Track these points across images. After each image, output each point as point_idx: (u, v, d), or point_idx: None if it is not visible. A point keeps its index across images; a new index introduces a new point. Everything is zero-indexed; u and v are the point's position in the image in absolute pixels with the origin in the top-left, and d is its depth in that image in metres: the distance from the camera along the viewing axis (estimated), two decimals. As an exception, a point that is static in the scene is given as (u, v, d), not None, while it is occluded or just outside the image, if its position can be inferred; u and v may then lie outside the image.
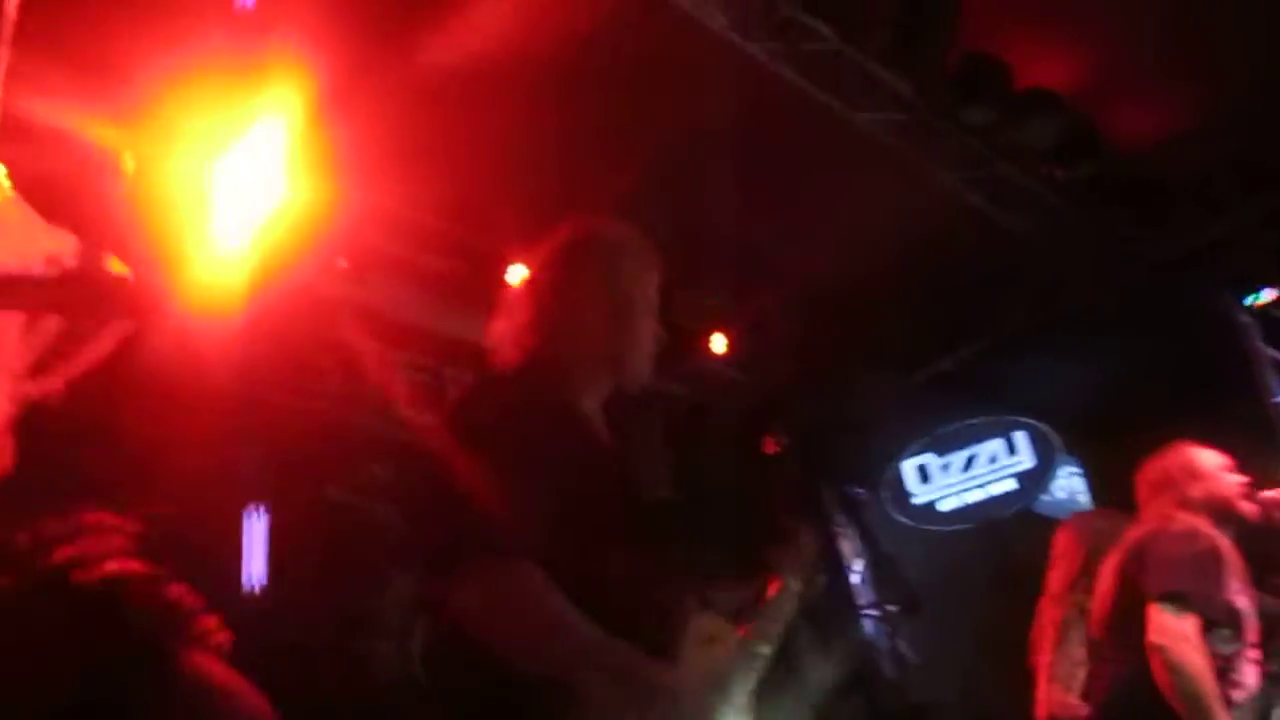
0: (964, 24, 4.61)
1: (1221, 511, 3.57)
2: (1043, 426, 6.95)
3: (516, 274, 5.21)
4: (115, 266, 2.04)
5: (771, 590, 2.31)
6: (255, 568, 3.84)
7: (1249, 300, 6.01)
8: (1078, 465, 7.42)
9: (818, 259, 5.52)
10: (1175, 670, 3.20)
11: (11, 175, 2.15)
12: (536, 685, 1.94)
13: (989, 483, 6.99)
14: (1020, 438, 7.00)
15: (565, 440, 2.14)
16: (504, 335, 2.39)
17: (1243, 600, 3.41)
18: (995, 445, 7.03)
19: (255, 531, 3.80)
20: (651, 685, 1.99)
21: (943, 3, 4.54)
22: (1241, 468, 3.74)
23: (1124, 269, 5.81)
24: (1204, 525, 3.51)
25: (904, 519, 6.92)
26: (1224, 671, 3.30)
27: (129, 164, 2.62)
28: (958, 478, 7.01)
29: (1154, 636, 3.27)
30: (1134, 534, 3.60)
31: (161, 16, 3.49)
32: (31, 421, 2.09)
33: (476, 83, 4.28)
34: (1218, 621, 3.33)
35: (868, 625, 5.63)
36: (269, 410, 4.24)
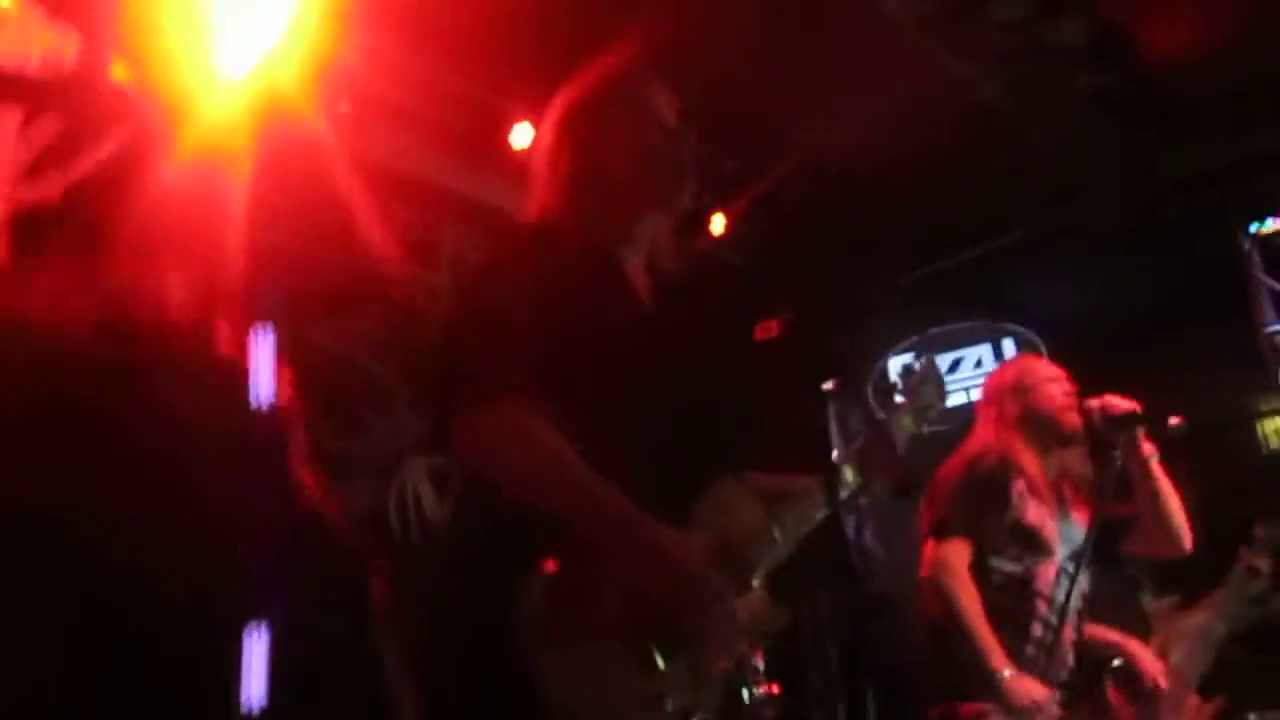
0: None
1: (1039, 425, 3.62)
2: (1031, 335, 6.93)
3: (522, 133, 5.12)
4: (119, 73, 1.97)
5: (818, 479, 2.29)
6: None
7: (1254, 228, 5.95)
8: (1063, 376, 7.43)
9: (830, 141, 5.43)
10: (939, 596, 3.36)
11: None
12: (533, 522, 1.96)
13: (972, 386, 7.00)
14: (1008, 344, 6.99)
15: (594, 290, 2.16)
16: (537, 183, 2.38)
17: (1037, 517, 3.48)
18: (982, 350, 7.02)
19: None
20: (644, 538, 1.99)
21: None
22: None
23: (1137, 185, 5.74)
24: (997, 448, 3.57)
25: (885, 416, 6.92)
26: (1015, 588, 3.42)
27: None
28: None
29: (923, 570, 3.46)
30: (939, 470, 3.69)
31: None
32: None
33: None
34: (998, 545, 3.43)
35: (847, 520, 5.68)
36: (260, 248, 4.18)
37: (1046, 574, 3.47)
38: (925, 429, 2.81)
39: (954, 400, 7.01)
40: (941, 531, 3.46)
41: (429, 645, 2.14)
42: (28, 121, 1.99)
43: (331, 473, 4.64)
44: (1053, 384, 3.68)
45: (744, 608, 2.11)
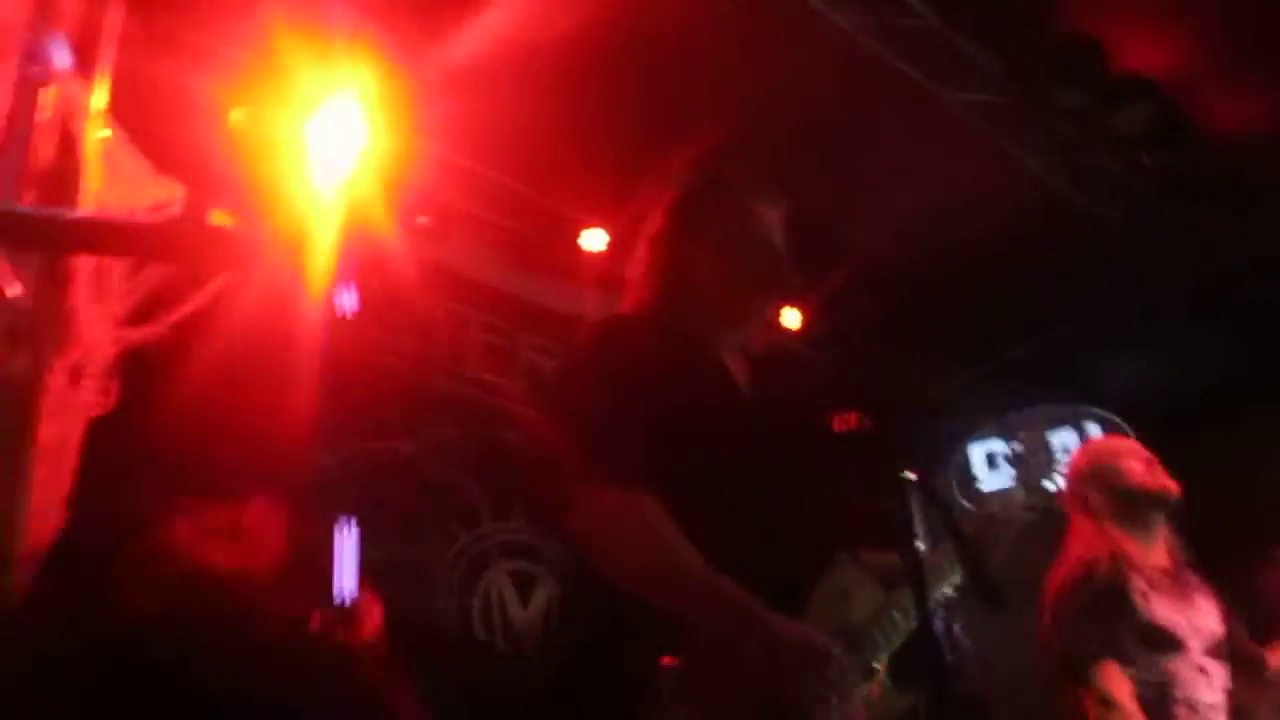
0: (1059, 3, 4.53)
1: (1131, 504, 3.45)
2: (1115, 418, 6.81)
3: (593, 239, 5.23)
4: (219, 218, 2.08)
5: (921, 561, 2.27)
6: (347, 581, 3.85)
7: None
8: (1149, 459, 7.30)
9: (897, 238, 5.46)
10: None
11: (124, 124, 2.19)
12: (650, 623, 1.95)
13: (1058, 473, 6.88)
14: (1092, 428, 6.86)
15: (690, 376, 2.17)
16: (630, 280, 2.40)
17: (1165, 614, 3.29)
18: (1066, 434, 6.90)
19: (347, 545, 3.82)
20: (761, 629, 1.98)
21: (1038, -18, 4.46)
22: None
23: (1207, 262, 5.69)
24: (1104, 547, 3.38)
25: (969, 504, 6.84)
26: (1154, 699, 3.20)
27: (237, 117, 2.66)
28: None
29: (1086, 706, 3.22)
30: (1053, 577, 3.48)
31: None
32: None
33: (552, 53, 4.28)
34: (1131, 656, 3.23)
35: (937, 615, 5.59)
36: (348, 364, 4.29)
37: (1183, 674, 3.26)
38: (1038, 502, 2.74)
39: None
40: (1086, 667, 3.24)
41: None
42: (136, 268, 2.11)
43: (417, 584, 4.71)
44: (1130, 457, 3.51)
45: (868, 693, 2.10)
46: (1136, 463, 3.50)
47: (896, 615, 2.21)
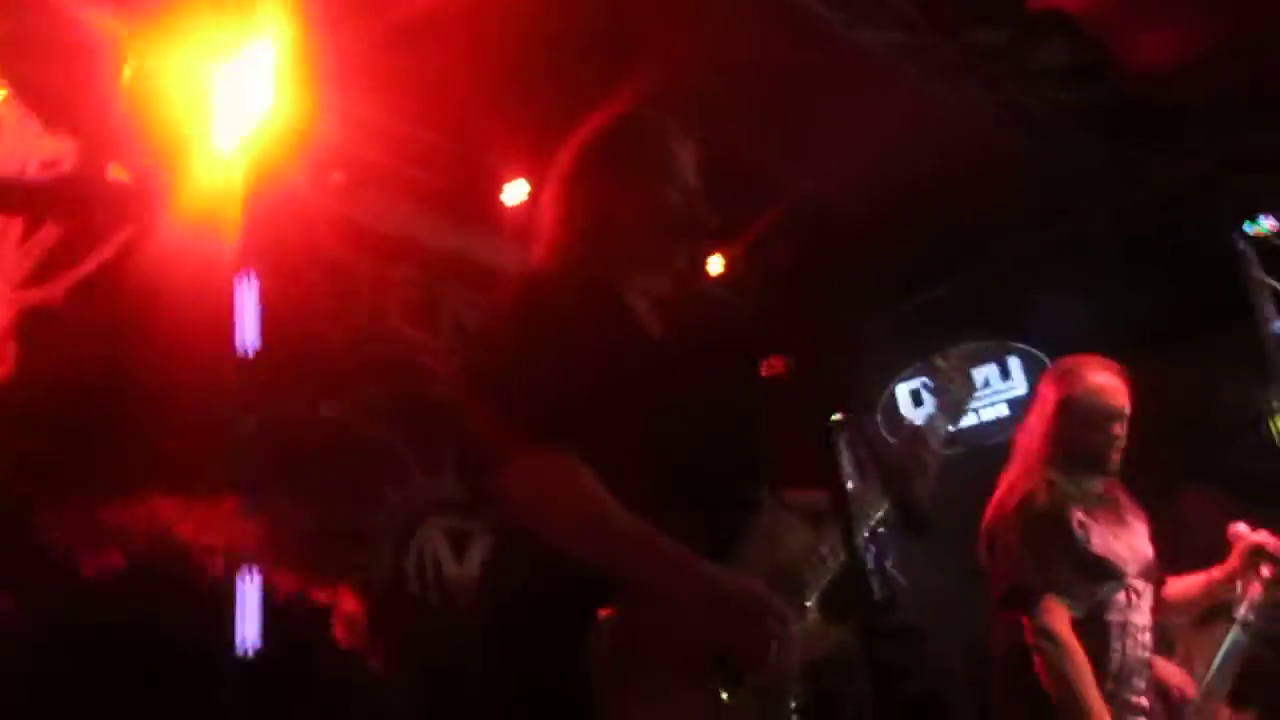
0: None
1: (1090, 460, 3.48)
2: (1036, 352, 6.93)
3: (515, 190, 5.16)
4: (115, 172, 2.00)
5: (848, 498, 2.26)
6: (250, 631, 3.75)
7: (1249, 228, 5.96)
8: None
9: (820, 181, 5.46)
10: (1049, 671, 3.21)
11: (11, 79, 2.09)
12: (585, 575, 1.95)
13: (981, 408, 6.97)
14: (1014, 363, 6.98)
15: (609, 333, 2.15)
16: (541, 231, 2.36)
17: (1102, 543, 3.35)
18: (989, 370, 7.01)
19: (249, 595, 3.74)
20: (696, 579, 1.98)
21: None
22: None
23: (1130, 196, 5.76)
24: (1043, 479, 3.42)
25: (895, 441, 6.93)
26: (1090, 625, 3.28)
27: (129, 69, 2.55)
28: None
29: (1028, 637, 3.27)
30: (992, 503, 3.53)
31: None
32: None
33: (469, 3, 4.19)
34: (1070, 581, 3.29)
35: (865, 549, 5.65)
36: (265, 326, 4.20)
37: (1117, 598, 3.34)
38: (956, 427, 2.75)
39: (964, 421, 7.00)
40: (1028, 600, 3.28)
41: (490, 695, 2.12)
42: (31, 228, 2.02)
43: (350, 545, 4.67)
44: (1115, 424, 3.52)
45: (800, 632, 2.11)
46: (1118, 433, 3.52)
47: (825, 553, 2.21)
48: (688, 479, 2.09)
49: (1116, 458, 3.51)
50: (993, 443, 6.90)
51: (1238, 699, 3.59)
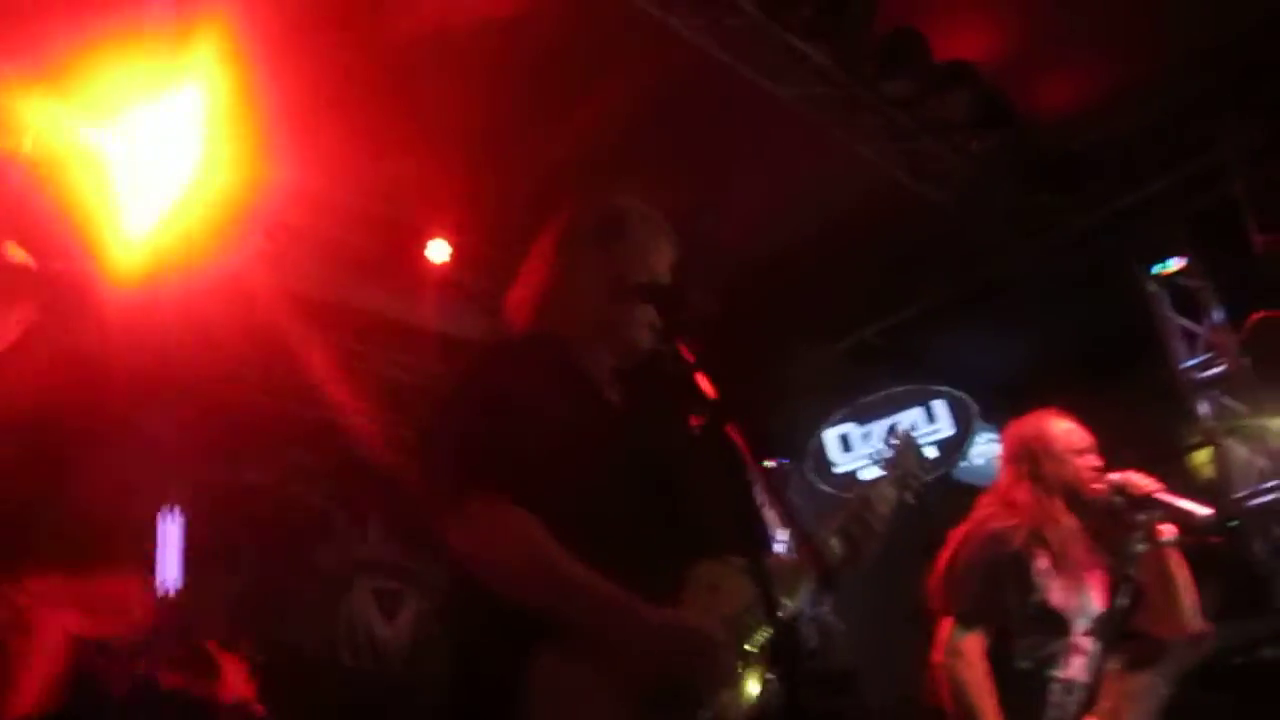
0: (881, -1, 4.65)
1: (1072, 495, 3.47)
2: (960, 394, 7.05)
3: (438, 249, 5.17)
4: (14, 253, 1.98)
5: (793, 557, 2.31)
6: (170, 572, 3.76)
7: (1157, 269, 6.13)
8: (995, 431, 7.53)
9: (741, 232, 5.54)
10: (953, 686, 3.24)
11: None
12: (533, 620, 2.00)
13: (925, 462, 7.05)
14: (939, 406, 7.09)
15: (564, 394, 2.22)
16: (512, 304, 2.46)
17: (1061, 596, 3.36)
18: (915, 413, 7.12)
19: (170, 534, 3.72)
20: (644, 623, 2.03)
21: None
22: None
23: (1039, 239, 5.90)
24: (1025, 521, 3.43)
25: (827, 488, 7.00)
26: (1033, 672, 3.29)
27: (27, 144, 2.51)
28: (878, 446, 7.06)
29: (937, 654, 3.32)
30: (957, 533, 3.53)
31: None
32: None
33: (401, 63, 4.23)
34: (1020, 628, 3.31)
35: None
36: (187, 395, 4.16)
37: (1062, 655, 3.33)
38: (909, 498, 2.82)
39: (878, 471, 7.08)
40: (964, 621, 3.30)
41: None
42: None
43: (279, 613, 4.61)
44: (1081, 450, 3.51)
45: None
46: (1086, 462, 3.51)
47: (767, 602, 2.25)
48: (628, 533, 2.14)
49: (1096, 489, 3.45)
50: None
51: None
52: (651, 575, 2.10)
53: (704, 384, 2.10)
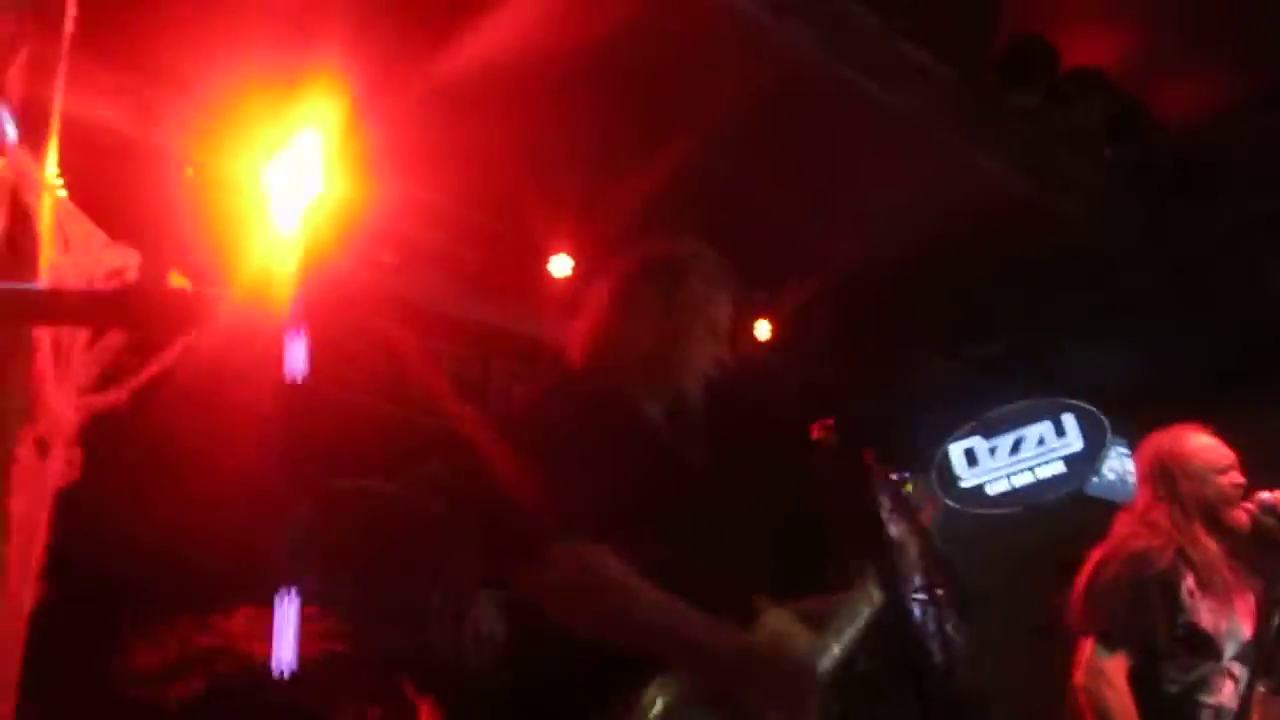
0: (1007, 4, 4.57)
1: (1212, 517, 3.36)
2: (1091, 408, 6.89)
3: (558, 265, 5.24)
4: (176, 280, 2.09)
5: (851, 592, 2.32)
6: (285, 654, 3.84)
7: (1295, 276, 5.92)
8: (1127, 446, 7.34)
9: (861, 245, 5.49)
10: (1096, 708, 3.16)
11: (75, 192, 2.20)
12: (620, 658, 2.00)
13: (1037, 465, 6.94)
14: (1068, 420, 6.94)
15: (626, 436, 2.25)
16: (573, 338, 2.51)
17: (1210, 619, 3.26)
18: (1043, 428, 6.98)
19: (286, 614, 3.82)
20: (738, 650, 2.04)
21: (985, -17, 4.50)
22: None
23: (1172, 248, 5.75)
24: (1168, 543, 3.33)
25: (951, 503, 6.90)
26: (1182, 699, 3.21)
27: (188, 175, 2.66)
28: (1005, 461, 6.97)
29: (1078, 675, 3.23)
30: (1097, 551, 3.43)
31: (211, 24, 3.53)
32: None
33: (509, 83, 4.30)
34: (1169, 651, 3.22)
35: (915, 610, 5.61)
36: (315, 406, 4.29)
37: (1214, 680, 3.25)
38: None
39: (1020, 480, 6.97)
40: (1107, 641, 3.22)
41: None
42: (96, 335, 2.13)
43: (402, 618, 4.70)
44: (1224, 469, 3.41)
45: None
46: (1223, 480, 3.41)
47: (830, 640, 2.26)
48: (695, 578, 2.13)
49: (1239, 516, 3.36)
50: (1049, 499, 6.87)
51: None
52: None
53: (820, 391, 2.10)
